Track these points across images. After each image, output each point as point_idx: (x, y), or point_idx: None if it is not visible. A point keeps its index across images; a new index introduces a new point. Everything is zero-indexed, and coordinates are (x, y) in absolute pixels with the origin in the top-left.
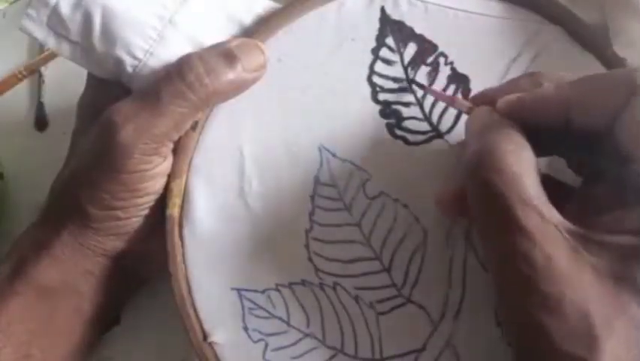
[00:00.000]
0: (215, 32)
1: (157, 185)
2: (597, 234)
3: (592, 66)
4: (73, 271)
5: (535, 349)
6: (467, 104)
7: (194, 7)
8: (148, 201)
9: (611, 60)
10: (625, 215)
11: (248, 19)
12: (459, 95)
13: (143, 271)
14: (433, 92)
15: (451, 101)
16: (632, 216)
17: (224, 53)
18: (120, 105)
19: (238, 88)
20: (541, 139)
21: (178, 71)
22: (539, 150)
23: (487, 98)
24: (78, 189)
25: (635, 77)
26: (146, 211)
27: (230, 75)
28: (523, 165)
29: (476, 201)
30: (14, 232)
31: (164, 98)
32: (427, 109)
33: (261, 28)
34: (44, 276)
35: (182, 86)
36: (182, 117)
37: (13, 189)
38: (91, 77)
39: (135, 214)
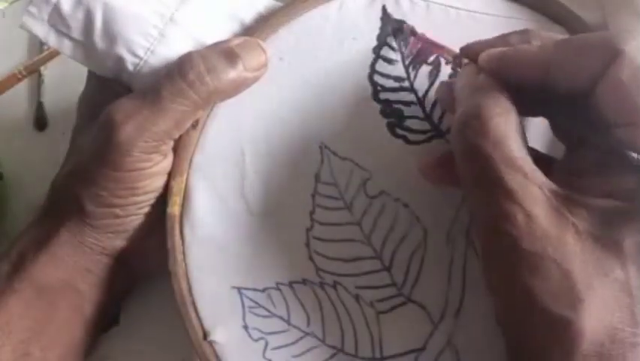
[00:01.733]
0: (217, 30)
1: (156, 183)
2: (581, 196)
3: None
4: (72, 269)
5: (521, 309)
6: (454, 52)
7: (194, 5)
8: (147, 199)
9: None
10: (607, 179)
11: (249, 17)
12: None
13: (142, 269)
14: (423, 38)
15: (440, 50)
16: (615, 180)
17: (226, 52)
18: (121, 103)
19: (239, 87)
20: (526, 99)
21: (179, 70)
22: (524, 109)
23: (475, 51)
24: (77, 186)
25: (616, 41)
26: (145, 209)
27: (232, 74)
28: (508, 128)
29: (463, 164)
30: (14, 231)
31: (165, 97)
32: (427, 108)
33: (262, 26)
34: (43, 274)
35: (183, 85)
36: (183, 116)
37: (13, 189)
38: (91, 74)
39: (134, 212)
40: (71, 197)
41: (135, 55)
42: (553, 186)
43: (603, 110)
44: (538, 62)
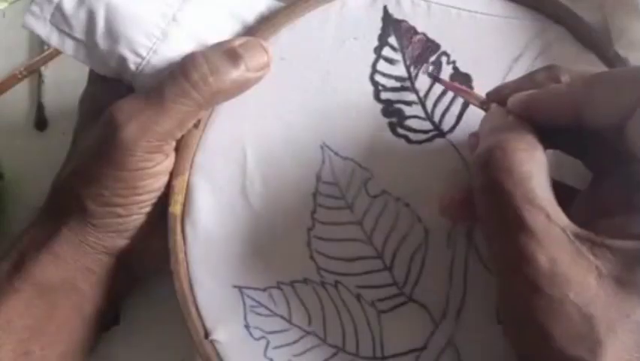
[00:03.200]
0: (219, 30)
1: (158, 183)
2: (603, 237)
3: (594, 66)
4: (73, 268)
5: (538, 351)
6: (481, 97)
7: (197, 4)
8: (149, 198)
9: (613, 60)
10: (632, 219)
11: (251, 17)
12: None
13: (143, 269)
14: (449, 85)
15: (466, 95)
16: (634, 223)
17: (228, 52)
18: (123, 103)
19: (241, 87)
20: (554, 136)
21: (182, 70)
22: (552, 145)
23: (502, 94)
24: (79, 186)
25: None
26: (147, 209)
27: (234, 74)
28: (533, 165)
29: (483, 200)
30: (14, 231)
31: (168, 97)
32: (429, 108)
33: (264, 26)
34: (44, 273)
35: (186, 85)
36: (185, 116)
37: (13, 189)
38: (93, 74)
39: (136, 212)
40: (73, 196)
41: (138, 54)
42: (576, 228)
43: (632, 147)
44: (569, 102)
